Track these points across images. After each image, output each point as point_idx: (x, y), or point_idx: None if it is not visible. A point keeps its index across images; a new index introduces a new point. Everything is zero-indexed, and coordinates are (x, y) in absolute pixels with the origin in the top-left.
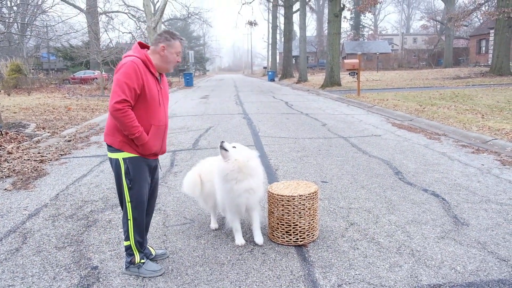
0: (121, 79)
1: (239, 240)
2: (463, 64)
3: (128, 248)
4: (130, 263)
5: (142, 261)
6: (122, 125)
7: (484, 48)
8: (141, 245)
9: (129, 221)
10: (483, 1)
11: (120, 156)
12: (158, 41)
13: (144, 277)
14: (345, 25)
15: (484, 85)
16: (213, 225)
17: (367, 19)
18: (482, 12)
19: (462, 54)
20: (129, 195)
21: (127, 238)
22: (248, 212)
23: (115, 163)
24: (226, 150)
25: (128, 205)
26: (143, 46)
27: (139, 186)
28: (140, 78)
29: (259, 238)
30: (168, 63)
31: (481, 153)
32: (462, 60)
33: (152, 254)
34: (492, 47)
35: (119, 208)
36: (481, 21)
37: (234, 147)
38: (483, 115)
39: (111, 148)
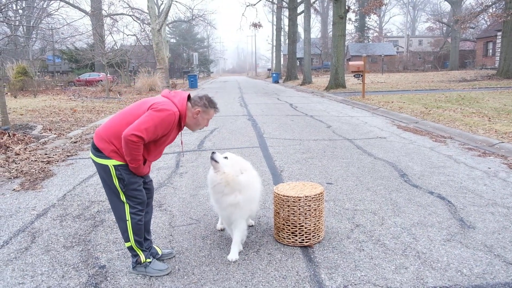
0: (155, 121)
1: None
2: (469, 67)
3: (130, 249)
4: (137, 263)
5: (149, 260)
6: (128, 153)
7: (491, 51)
8: (141, 244)
9: (127, 221)
10: (490, 3)
11: (110, 163)
12: (197, 104)
13: (151, 276)
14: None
15: (491, 88)
16: (219, 225)
17: (372, 21)
18: (489, 14)
19: (468, 56)
20: (125, 197)
21: (126, 239)
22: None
23: (103, 168)
24: (216, 161)
25: (126, 206)
26: (189, 98)
27: (133, 187)
28: (168, 130)
29: (230, 255)
30: (197, 126)
31: (488, 156)
32: (468, 62)
33: (158, 254)
34: (499, 50)
35: None
36: (488, 23)
37: (225, 157)
38: (489, 118)
39: (99, 154)
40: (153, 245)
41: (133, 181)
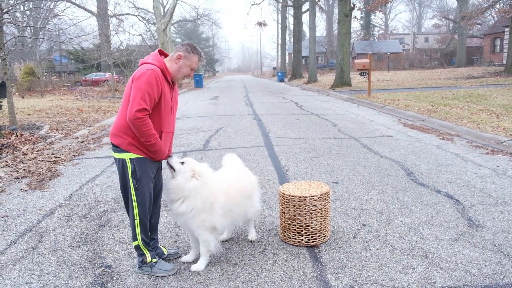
0: (143, 87)
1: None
2: (476, 64)
3: (137, 248)
4: (143, 263)
5: (154, 260)
6: (140, 132)
7: (498, 47)
8: (148, 244)
9: (135, 220)
10: None
11: (126, 156)
12: (178, 50)
13: (157, 276)
14: (355, 24)
15: (499, 84)
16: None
17: (377, 18)
18: (496, 10)
19: (475, 53)
20: (135, 195)
21: (134, 238)
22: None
23: (121, 163)
24: (172, 168)
25: (135, 205)
26: (161, 53)
27: (145, 186)
28: (159, 88)
29: (195, 265)
30: (179, 72)
31: (496, 154)
32: (475, 59)
33: (164, 254)
34: (507, 46)
35: None
36: (496, 19)
37: (182, 163)
38: (497, 115)
39: (117, 149)
40: (159, 245)
41: (145, 177)
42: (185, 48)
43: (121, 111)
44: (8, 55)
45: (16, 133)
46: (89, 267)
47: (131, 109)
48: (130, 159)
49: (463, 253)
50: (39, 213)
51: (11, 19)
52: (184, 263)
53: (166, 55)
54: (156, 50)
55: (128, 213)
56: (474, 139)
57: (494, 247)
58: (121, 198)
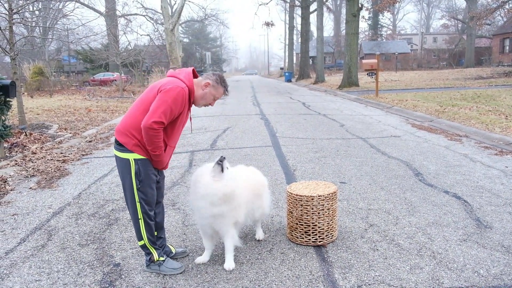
0: (169, 102)
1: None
2: (485, 64)
3: (144, 247)
4: (150, 261)
5: (162, 258)
6: (150, 142)
7: (508, 48)
8: (154, 242)
9: (139, 220)
10: None
11: (131, 156)
12: (208, 77)
13: (165, 274)
14: (363, 25)
15: (508, 85)
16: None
17: (385, 18)
18: (506, 10)
19: (484, 53)
20: (138, 195)
21: (140, 238)
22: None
23: (124, 163)
24: (223, 168)
25: (138, 205)
26: (194, 75)
27: (147, 186)
28: (182, 107)
29: (226, 264)
30: (202, 99)
31: (505, 155)
32: (484, 60)
33: (172, 252)
34: None
35: None
36: (505, 19)
37: (227, 168)
38: (506, 116)
39: (121, 148)
40: (167, 244)
41: (148, 178)
42: (215, 78)
43: (133, 111)
44: (18, 55)
45: (25, 132)
46: (98, 265)
47: (149, 118)
48: (134, 159)
49: (471, 254)
50: (48, 211)
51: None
52: (198, 264)
53: (196, 76)
54: (191, 68)
55: (130, 212)
56: (483, 139)
57: (502, 248)
58: None
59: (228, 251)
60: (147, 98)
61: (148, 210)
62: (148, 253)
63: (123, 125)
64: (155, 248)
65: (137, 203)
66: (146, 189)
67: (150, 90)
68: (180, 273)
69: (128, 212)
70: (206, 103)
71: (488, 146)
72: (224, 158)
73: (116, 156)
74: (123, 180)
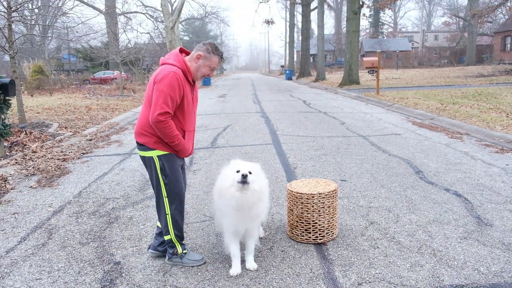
0: (165, 90)
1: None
2: (486, 62)
3: (169, 242)
4: (173, 254)
5: (184, 251)
6: (163, 134)
7: (509, 45)
8: (181, 237)
9: (167, 215)
10: None
11: (154, 154)
12: (198, 49)
13: (186, 266)
14: (364, 22)
15: (509, 83)
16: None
17: (386, 16)
18: (507, 8)
19: (485, 51)
20: (166, 190)
21: (166, 233)
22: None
23: (148, 161)
24: (248, 183)
25: (165, 200)
26: (183, 52)
27: (174, 181)
28: (181, 89)
29: (252, 264)
30: (198, 71)
31: (506, 152)
32: (485, 57)
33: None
34: None
35: (140, 205)
36: (506, 17)
37: (250, 172)
38: (507, 114)
39: (143, 147)
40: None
41: (174, 172)
42: (206, 48)
43: (143, 110)
44: (17, 54)
45: (25, 131)
46: (98, 264)
47: (153, 113)
48: (157, 156)
49: (471, 252)
50: (49, 210)
51: (20, 17)
52: (233, 276)
53: (188, 53)
54: (177, 49)
55: (157, 209)
56: (484, 137)
57: (502, 246)
58: (130, 195)
59: (252, 252)
60: (149, 94)
61: (177, 206)
62: (172, 247)
63: (139, 126)
64: (180, 243)
65: (164, 198)
66: (173, 184)
67: (149, 85)
68: (202, 264)
69: (129, 210)
70: (203, 74)
71: (489, 144)
72: (245, 176)
73: (141, 156)
74: (151, 177)
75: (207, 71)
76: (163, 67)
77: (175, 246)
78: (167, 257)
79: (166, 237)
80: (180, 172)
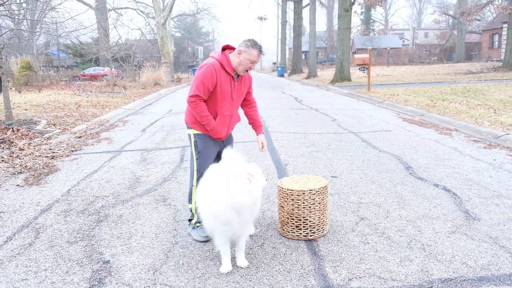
0: (200, 77)
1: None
2: (475, 59)
3: (190, 210)
4: (189, 221)
5: (198, 224)
6: (195, 113)
7: (497, 43)
8: None
9: (193, 187)
10: None
11: (191, 132)
12: (240, 46)
13: (192, 238)
14: (356, 19)
15: (497, 80)
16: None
17: (377, 13)
18: (495, 6)
19: (474, 49)
20: (196, 164)
21: (190, 201)
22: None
23: (189, 137)
24: (250, 184)
25: (195, 173)
26: (228, 47)
27: (204, 158)
28: (214, 79)
29: (244, 262)
30: (239, 65)
31: (493, 148)
32: (474, 55)
33: None
34: (505, 42)
35: (130, 203)
36: (494, 15)
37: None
38: (495, 110)
39: (186, 125)
40: None
41: (206, 150)
42: (245, 43)
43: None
44: (4, 49)
45: (12, 128)
46: (87, 263)
47: (188, 94)
48: (194, 134)
49: (459, 246)
50: (36, 209)
51: (7, 11)
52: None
53: (233, 49)
54: (221, 46)
55: (190, 179)
56: (472, 133)
57: (490, 239)
58: (119, 193)
59: (243, 249)
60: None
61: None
62: (191, 215)
63: (187, 108)
64: (198, 214)
65: (194, 171)
66: (202, 161)
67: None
68: (205, 241)
69: (119, 208)
70: (245, 67)
71: (477, 139)
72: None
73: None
74: (190, 151)
75: (248, 64)
76: (208, 59)
77: (193, 215)
78: (188, 219)
79: (189, 205)
80: (211, 153)
